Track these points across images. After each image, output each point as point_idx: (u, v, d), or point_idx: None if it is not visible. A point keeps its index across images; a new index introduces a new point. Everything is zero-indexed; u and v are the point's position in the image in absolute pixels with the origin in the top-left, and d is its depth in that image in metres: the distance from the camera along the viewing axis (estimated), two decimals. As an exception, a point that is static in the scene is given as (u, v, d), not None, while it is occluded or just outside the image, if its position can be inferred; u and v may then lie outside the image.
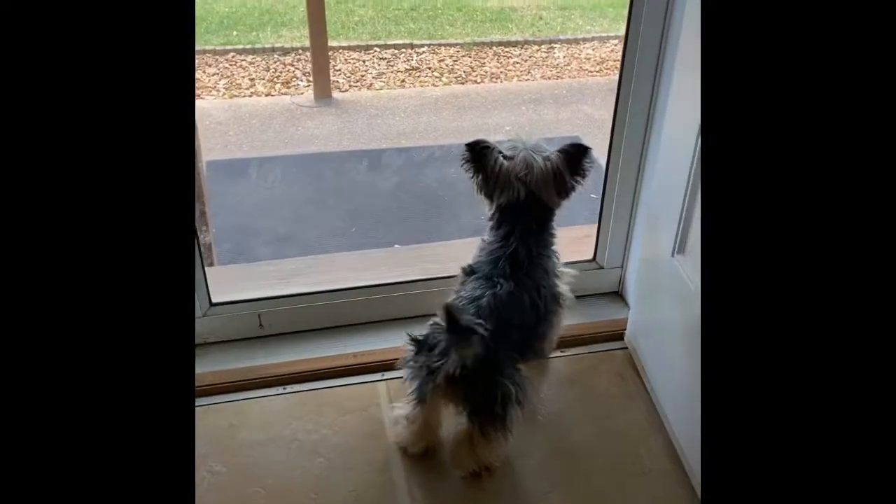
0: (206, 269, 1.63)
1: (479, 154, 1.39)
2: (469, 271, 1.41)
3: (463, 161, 1.40)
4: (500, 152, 1.38)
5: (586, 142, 1.40)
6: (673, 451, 1.44)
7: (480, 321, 1.22)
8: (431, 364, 1.26)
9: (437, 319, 1.26)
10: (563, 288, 1.47)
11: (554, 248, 1.45)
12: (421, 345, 1.29)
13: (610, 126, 1.65)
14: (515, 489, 1.38)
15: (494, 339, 1.25)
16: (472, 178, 1.41)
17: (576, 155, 1.38)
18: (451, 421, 1.37)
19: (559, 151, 1.38)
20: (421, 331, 1.31)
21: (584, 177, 1.40)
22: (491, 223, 1.44)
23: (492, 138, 1.40)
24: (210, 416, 1.49)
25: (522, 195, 1.37)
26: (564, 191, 1.40)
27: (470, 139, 1.38)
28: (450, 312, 1.18)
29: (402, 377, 1.36)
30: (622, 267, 1.80)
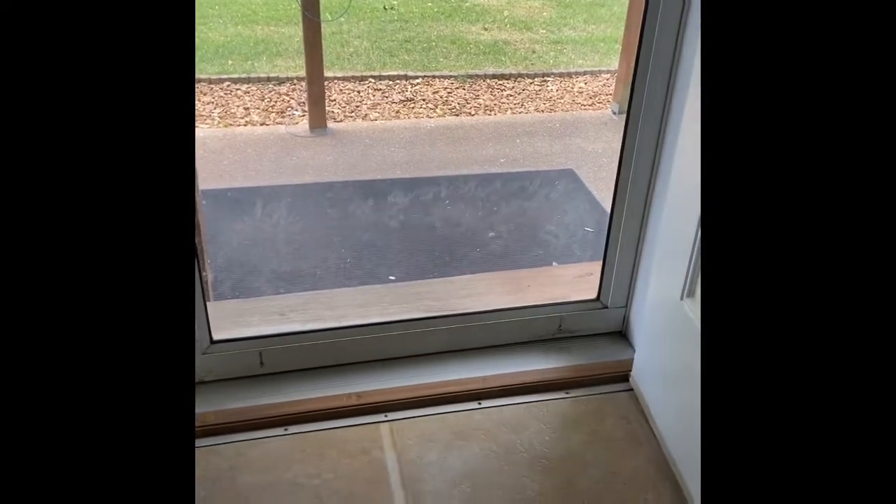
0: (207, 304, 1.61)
1: None
2: None
3: None
4: None
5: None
6: (682, 497, 1.42)
7: None
8: None
9: None
10: None
11: None
12: None
13: (603, 158, 1.65)
14: (522, 537, 1.35)
15: None
16: None
17: None
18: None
19: None
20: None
21: None
22: None
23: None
24: (211, 458, 1.46)
25: None
26: None
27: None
28: None
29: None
30: (626, 306, 1.79)
